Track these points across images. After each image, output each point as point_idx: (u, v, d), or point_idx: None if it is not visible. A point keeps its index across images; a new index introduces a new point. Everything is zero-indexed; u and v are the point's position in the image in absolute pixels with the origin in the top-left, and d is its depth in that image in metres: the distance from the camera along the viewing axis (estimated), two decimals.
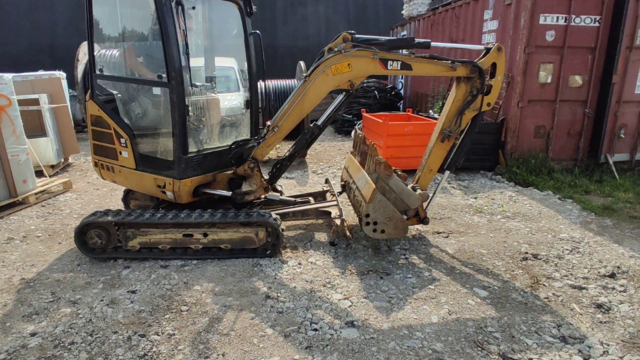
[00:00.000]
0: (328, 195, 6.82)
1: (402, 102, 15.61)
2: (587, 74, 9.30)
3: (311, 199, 6.69)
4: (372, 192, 5.00)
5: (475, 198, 7.91)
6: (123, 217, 5.18)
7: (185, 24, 5.01)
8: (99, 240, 5.23)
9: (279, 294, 4.57)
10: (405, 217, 5.62)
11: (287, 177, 9.43)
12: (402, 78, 16.43)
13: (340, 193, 6.56)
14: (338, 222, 5.58)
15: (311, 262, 5.39)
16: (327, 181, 7.51)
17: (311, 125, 5.54)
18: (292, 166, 10.54)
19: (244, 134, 6.49)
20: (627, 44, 9.07)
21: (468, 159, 9.44)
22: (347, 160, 6.74)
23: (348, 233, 5.41)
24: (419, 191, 5.57)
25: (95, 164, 6.00)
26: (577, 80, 9.31)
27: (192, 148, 5.47)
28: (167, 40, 4.91)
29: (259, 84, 9.81)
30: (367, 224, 5.11)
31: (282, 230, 5.55)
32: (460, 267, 5.22)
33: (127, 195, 6.67)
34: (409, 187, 5.84)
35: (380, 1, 21.48)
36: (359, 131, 9.12)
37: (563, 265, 5.26)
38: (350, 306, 4.38)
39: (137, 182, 5.65)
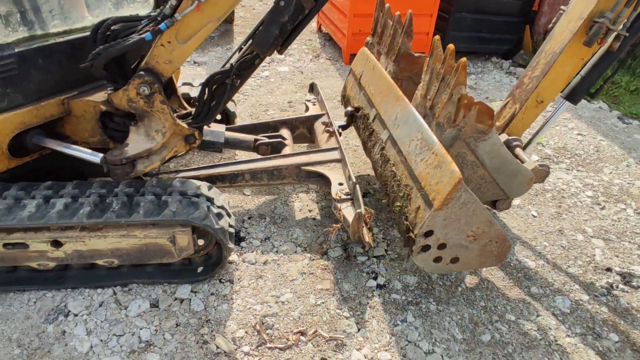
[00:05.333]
0: (318, 126, 3.45)
1: None
2: None
3: (285, 133, 3.40)
4: (453, 186, 1.96)
5: None
6: None
7: None
8: None
9: None
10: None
11: (193, 61, 5.88)
12: None
13: (345, 127, 3.35)
14: (347, 214, 2.49)
15: (279, 304, 2.52)
16: (312, 88, 4.06)
17: None
18: (211, 39, 6.84)
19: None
20: None
21: (478, 38, 6.13)
22: (361, 61, 3.31)
23: (368, 238, 2.42)
24: (533, 158, 2.68)
25: None
26: None
27: None
28: None
29: None
30: (426, 248, 2.18)
31: (234, 230, 2.55)
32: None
33: None
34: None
35: None
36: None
37: None
38: None
39: None
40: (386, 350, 2.31)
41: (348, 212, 2.49)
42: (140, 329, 2.35)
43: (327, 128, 3.32)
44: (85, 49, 2.37)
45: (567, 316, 2.56)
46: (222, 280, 2.66)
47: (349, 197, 2.60)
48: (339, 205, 2.56)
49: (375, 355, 2.29)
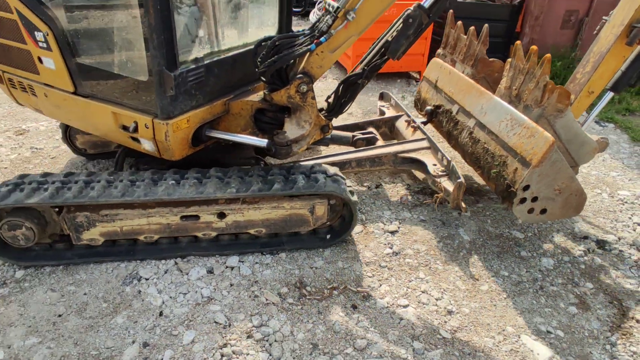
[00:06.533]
0: (401, 124, 4.19)
1: None
2: None
3: (373, 130, 4.13)
4: (548, 148, 2.62)
5: None
6: (72, 193, 2.78)
7: None
8: (26, 235, 2.86)
9: None
10: None
11: None
12: None
13: (425, 123, 4.03)
14: (447, 186, 3.19)
15: (314, 269, 3.03)
16: (383, 96, 4.80)
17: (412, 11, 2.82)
18: None
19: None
20: None
21: None
22: (435, 68, 4.02)
23: (464, 204, 3.08)
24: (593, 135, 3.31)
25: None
26: None
27: (187, 55, 2.89)
28: None
29: None
30: (523, 200, 2.84)
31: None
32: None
33: (70, 129, 4.10)
34: None
35: None
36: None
37: None
38: None
39: (80, 116, 3.23)
40: (404, 297, 2.83)
41: (447, 184, 3.17)
42: (201, 289, 2.86)
43: (412, 124, 4.00)
44: (240, 62, 3.11)
45: (551, 271, 3.10)
46: (263, 253, 3.18)
47: (444, 173, 3.30)
48: (437, 180, 3.26)
49: (396, 301, 2.81)
